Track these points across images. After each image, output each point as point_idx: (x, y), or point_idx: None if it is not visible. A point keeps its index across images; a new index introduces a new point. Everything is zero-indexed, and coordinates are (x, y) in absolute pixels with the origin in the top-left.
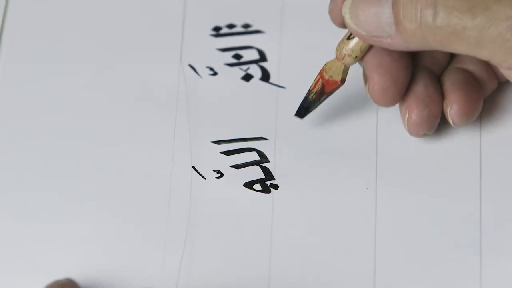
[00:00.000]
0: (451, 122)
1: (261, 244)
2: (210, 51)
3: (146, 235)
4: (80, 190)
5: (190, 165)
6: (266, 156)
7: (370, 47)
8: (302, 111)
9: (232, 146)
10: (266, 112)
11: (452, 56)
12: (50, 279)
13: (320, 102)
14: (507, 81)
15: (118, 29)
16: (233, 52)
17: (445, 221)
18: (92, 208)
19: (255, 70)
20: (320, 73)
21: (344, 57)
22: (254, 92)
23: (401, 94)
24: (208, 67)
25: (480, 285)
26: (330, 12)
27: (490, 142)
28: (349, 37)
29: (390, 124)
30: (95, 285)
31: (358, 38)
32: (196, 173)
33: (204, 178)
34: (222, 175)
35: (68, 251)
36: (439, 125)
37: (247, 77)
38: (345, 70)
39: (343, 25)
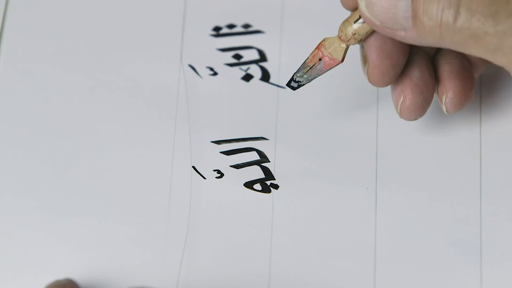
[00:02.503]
0: (444, 109)
1: (261, 244)
2: (210, 51)
3: (146, 235)
4: (80, 190)
5: (190, 165)
6: (266, 156)
7: (374, 30)
8: (294, 83)
9: (232, 146)
10: (266, 112)
11: None
12: (50, 279)
13: (315, 77)
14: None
15: (118, 29)
16: (233, 52)
17: (445, 221)
18: (92, 208)
19: (255, 70)
20: (318, 48)
21: (349, 39)
22: (254, 92)
23: (397, 76)
24: (208, 67)
25: (481, 285)
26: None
27: (491, 142)
28: (357, 21)
29: (390, 124)
30: (95, 285)
31: (371, 27)
32: (196, 173)
33: (204, 178)
34: (222, 175)
35: (68, 251)
36: (439, 125)
37: (247, 77)
38: (346, 50)
39: (352, 8)
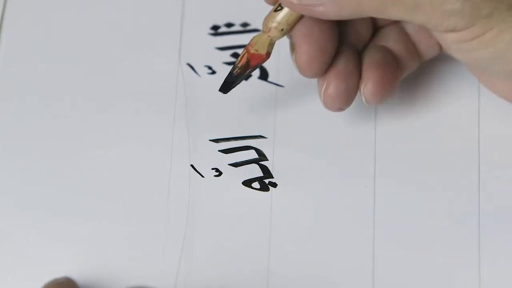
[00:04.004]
0: (363, 99)
1: (259, 242)
2: (209, 50)
3: (145, 234)
4: (79, 190)
5: (189, 163)
6: (264, 154)
7: (298, 20)
8: (226, 86)
9: (231, 145)
10: (264, 110)
11: (374, 33)
12: (49, 278)
13: (245, 77)
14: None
15: (116, 28)
16: (231, 51)
17: (444, 220)
18: (91, 207)
19: None
20: (246, 48)
21: (270, 29)
22: (253, 90)
23: (327, 65)
24: (206, 66)
25: (479, 285)
26: None
27: (488, 142)
28: (276, 9)
29: (388, 122)
30: (95, 284)
31: (288, 7)
32: (194, 171)
33: (203, 177)
34: (220, 173)
35: (68, 250)
36: (437, 124)
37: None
38: (271, 44)
39: (272, 2)
